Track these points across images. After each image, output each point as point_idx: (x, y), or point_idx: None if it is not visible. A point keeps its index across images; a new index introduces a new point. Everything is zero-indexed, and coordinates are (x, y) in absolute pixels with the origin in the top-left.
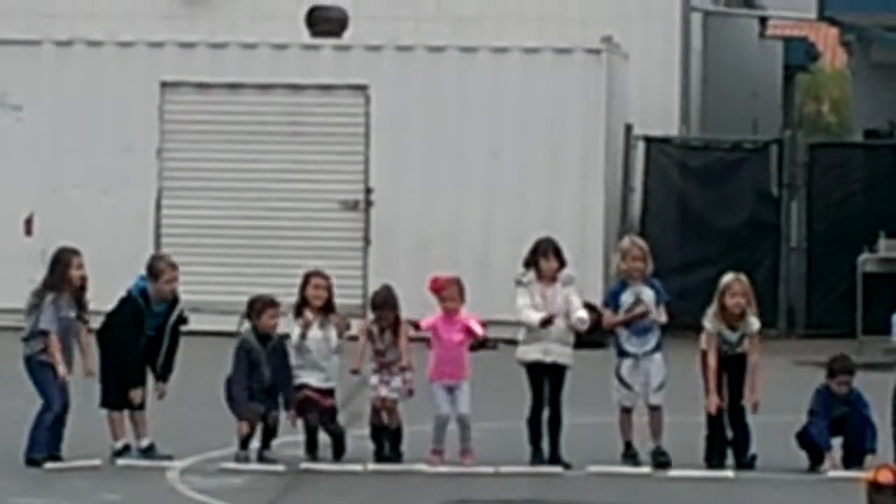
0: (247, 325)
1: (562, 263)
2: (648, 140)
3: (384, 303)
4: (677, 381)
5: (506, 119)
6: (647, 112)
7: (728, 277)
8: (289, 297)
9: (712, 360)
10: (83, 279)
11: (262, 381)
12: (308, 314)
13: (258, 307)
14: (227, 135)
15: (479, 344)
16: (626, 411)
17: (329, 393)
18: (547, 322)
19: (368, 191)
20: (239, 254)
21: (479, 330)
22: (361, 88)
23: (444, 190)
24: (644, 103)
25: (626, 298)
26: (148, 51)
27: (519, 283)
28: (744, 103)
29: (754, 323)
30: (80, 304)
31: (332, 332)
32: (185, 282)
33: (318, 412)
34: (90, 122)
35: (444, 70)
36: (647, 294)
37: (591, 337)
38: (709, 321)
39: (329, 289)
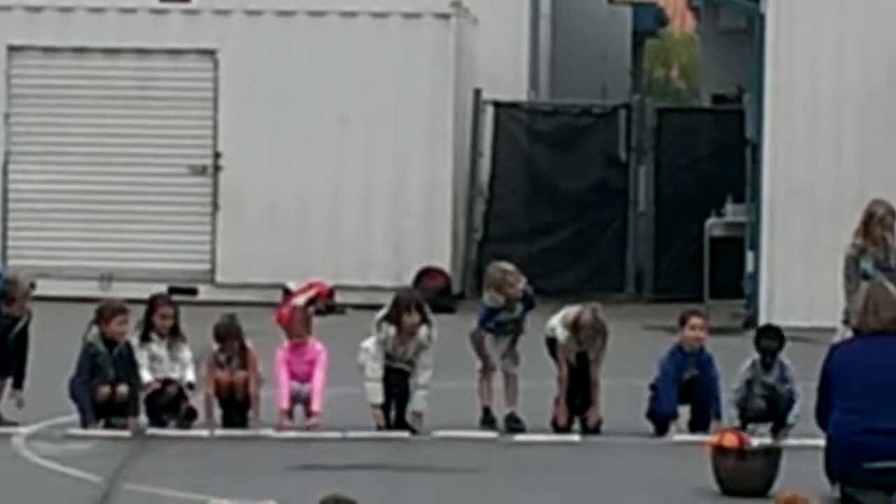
0: (94, 330)
1: (423, 317)
2: (497, 105)
3: (227, 334)
4: (530, 346)
5: (355, 84)
6: (496, 77)
7: (587, 316)
8: (138, 263)
9: (564, 370)
10: None
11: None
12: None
13: (107, 314)
14: (74, 99)
15: (329, 308)
16: (485, 377)
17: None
18: (374, 410)
19: (217, 156)
20: (87, 219)
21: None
22: (210, 53)
23: (294, 155)
24: (493, 68)
25: (499, 318)
26: None
27: (378, 326)
28: (593, 68)
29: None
30: None
31: (184, 353)
32: (32, 247)
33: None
34: None
35: (294, 35)
36: (518, 309)
37: (443, 301)
38: (561, 335)
39: (176, 315)
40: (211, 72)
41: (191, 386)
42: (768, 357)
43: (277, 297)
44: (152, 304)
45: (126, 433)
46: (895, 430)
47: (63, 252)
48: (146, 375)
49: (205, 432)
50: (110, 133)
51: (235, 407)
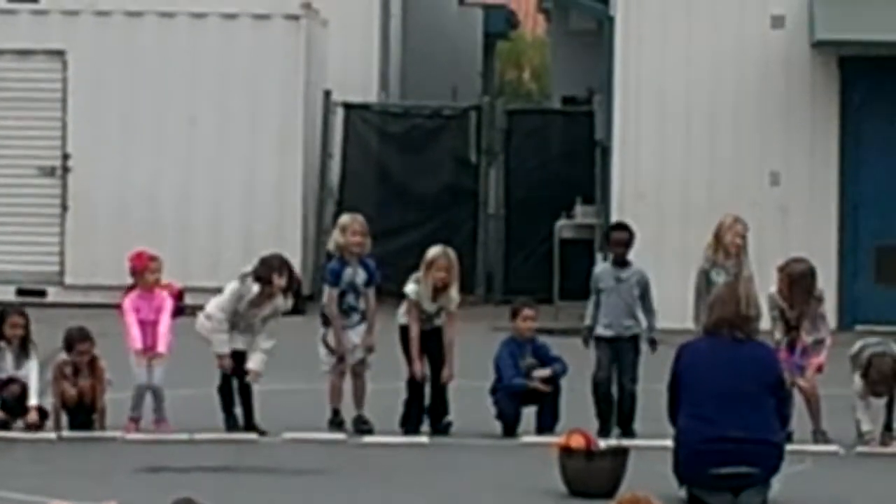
0: None
1: (290, 282)
2: (348, 106)
3: (76, 343)
4: (379, 348)
5: (205, 85)
6: (346, 78)
7: (434, 251)
8: None
9: (415, 329)
10: None
11: None
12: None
13: None
14: None
15: (179, 311)
16: (334, 379)
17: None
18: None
19: (66, 157)
20: None
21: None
22: (59, 54)
23: (143, 156)
24: (343, 70)
25: (345, 277)
26: None
27: (241, 279)
28: (444, 70)
29: (454, 299)
30: None
31: (31, 370)
32: None
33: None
34: None
35: (142, 35)
36: (360, 276)
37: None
38: (411, 290)
39: (27, 326)
40: (60, 73)
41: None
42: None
43: None
44: (2, 314)
45: None
46: (739, 438)
47: None
48: None
49: (52, 434)
50: None
51: (83, 411)
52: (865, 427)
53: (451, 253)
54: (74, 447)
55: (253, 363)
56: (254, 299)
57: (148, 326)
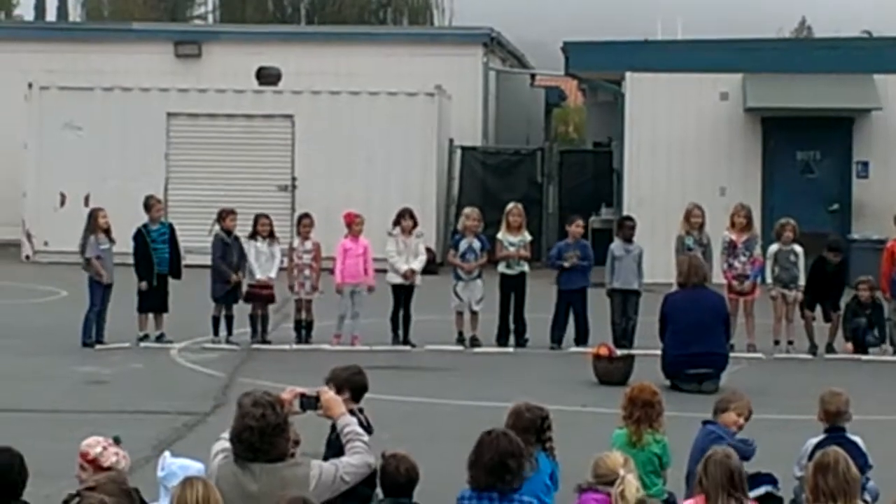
0: None
1: (415, 223)
2: (463, 148)
3: None
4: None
5: (377, 137)
6: (462, 131)
7: (510, 205)
8: None
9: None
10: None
11: None
12: None
13: None
14: None
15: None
16: (459, 314)
17: None
18: (405, 276)
19: (294, 179)
20: None
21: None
22: (289, 117)
23: (341, 180)
24: (460, 126)
25: (463, 245)
26: None
27: (389, 234)
28: (521, 125)
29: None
30: (109, 238)
31: None
32: None
33: None
34: None
35: (340, 105)
36: (476, 244)
37: (429, 267)
38: (501, 235)
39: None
40: (290, 128)
41: None
42: (627, 234)
43: None
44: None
45: (237, 346)
46: (702, 353)
47: None
48: None
49: (286, 346)
50: None
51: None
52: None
53: (520, 206)
54: (301, 354)
55: (415, 265)
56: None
57: (351, 260)
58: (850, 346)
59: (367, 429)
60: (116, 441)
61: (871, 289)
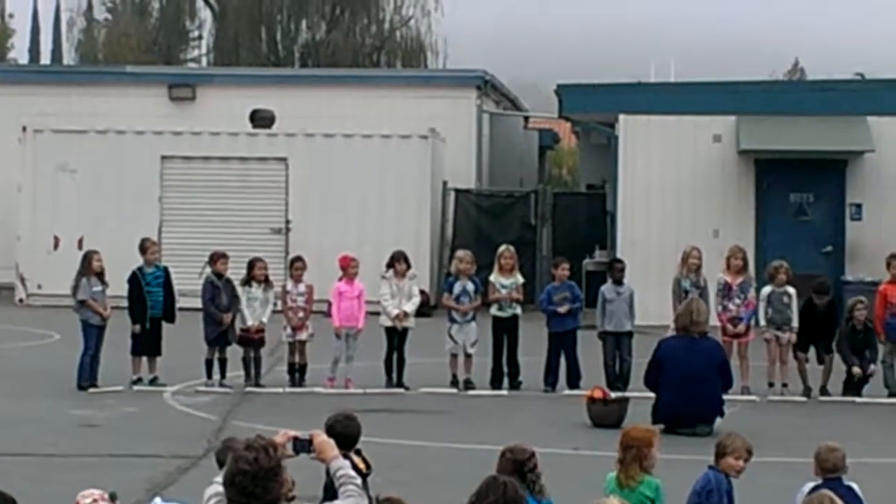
0: None
1: (408, 265)
2: (457, 191)
3: None
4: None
5: (371, 178)
6: (456, 173)
7: (502, 248)
8: None
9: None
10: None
11: None
12: None
13: None
14: None
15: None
16: (454, 356)
17: None
18: (396, 318)
19: (288, 222)
20: None
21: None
22: (283, 160)
23: (334, 221)
24: (454, 168)
25: (457, 288)
26: None
27: (383, 277)
28: (515, 168)
29: (519, 280)
30: (102, 282)
31: None
32: None
33: None
34: None
35: (335, 148)
36: (470, 286)
37: (423, 310)
38: (494, 277)
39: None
40: (284, 171)
41: None
42: (617, 276)
43: None
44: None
45: (230, 390)
46: (696, 405)
47: None
48: None
49: (279, 389)
50: None
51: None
52: None
53: (511, 248)
54: (294, 398)
55: (408, 307)
56: (392, 280)
57: (347, 303)
58: (857, 369)
59: (368, 468)
60: (112, 498)
61: (867, 308)
